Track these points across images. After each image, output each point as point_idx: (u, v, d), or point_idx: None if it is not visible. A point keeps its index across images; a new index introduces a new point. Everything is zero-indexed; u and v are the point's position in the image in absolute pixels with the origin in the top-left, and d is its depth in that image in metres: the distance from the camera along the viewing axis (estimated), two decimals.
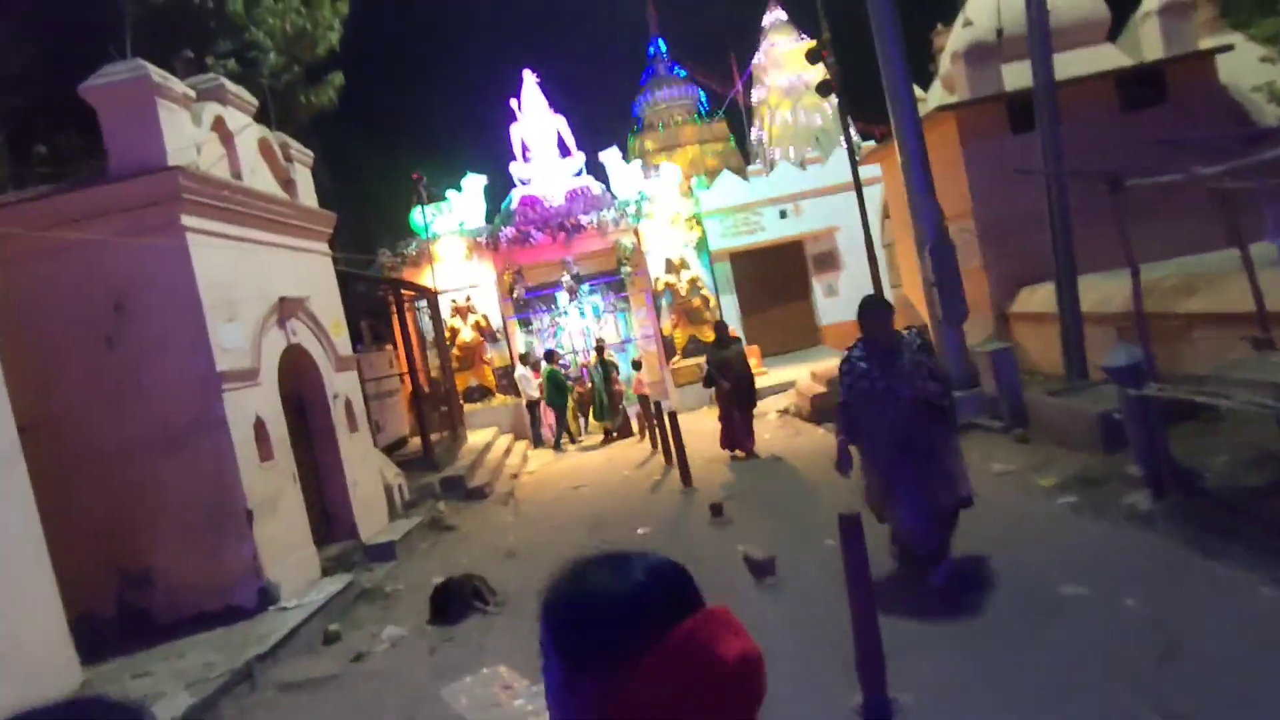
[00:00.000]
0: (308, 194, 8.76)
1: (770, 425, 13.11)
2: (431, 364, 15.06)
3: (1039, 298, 10.65)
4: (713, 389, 11.47)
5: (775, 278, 18.65)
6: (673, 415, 9.50)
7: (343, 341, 8.82)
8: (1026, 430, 8.47)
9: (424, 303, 14.82)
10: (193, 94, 6.76)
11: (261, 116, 8.40)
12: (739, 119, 31.71)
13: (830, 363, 16.72)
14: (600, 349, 15.40)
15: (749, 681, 0.96)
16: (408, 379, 14.80)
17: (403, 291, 13.85)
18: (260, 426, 6.75)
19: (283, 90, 9.89)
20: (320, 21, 10.19)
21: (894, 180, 14.31)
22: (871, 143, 18.42)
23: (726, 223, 18.12)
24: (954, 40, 11.80)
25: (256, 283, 7.17)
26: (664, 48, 36.33)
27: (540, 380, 15.10)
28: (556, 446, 14.92)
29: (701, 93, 34.97)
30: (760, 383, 15.89)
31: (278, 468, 6.91)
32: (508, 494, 11.62)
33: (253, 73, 9.17)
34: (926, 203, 9.86)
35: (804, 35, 26.89)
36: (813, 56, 13.01)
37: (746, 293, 18.24)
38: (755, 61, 27.42)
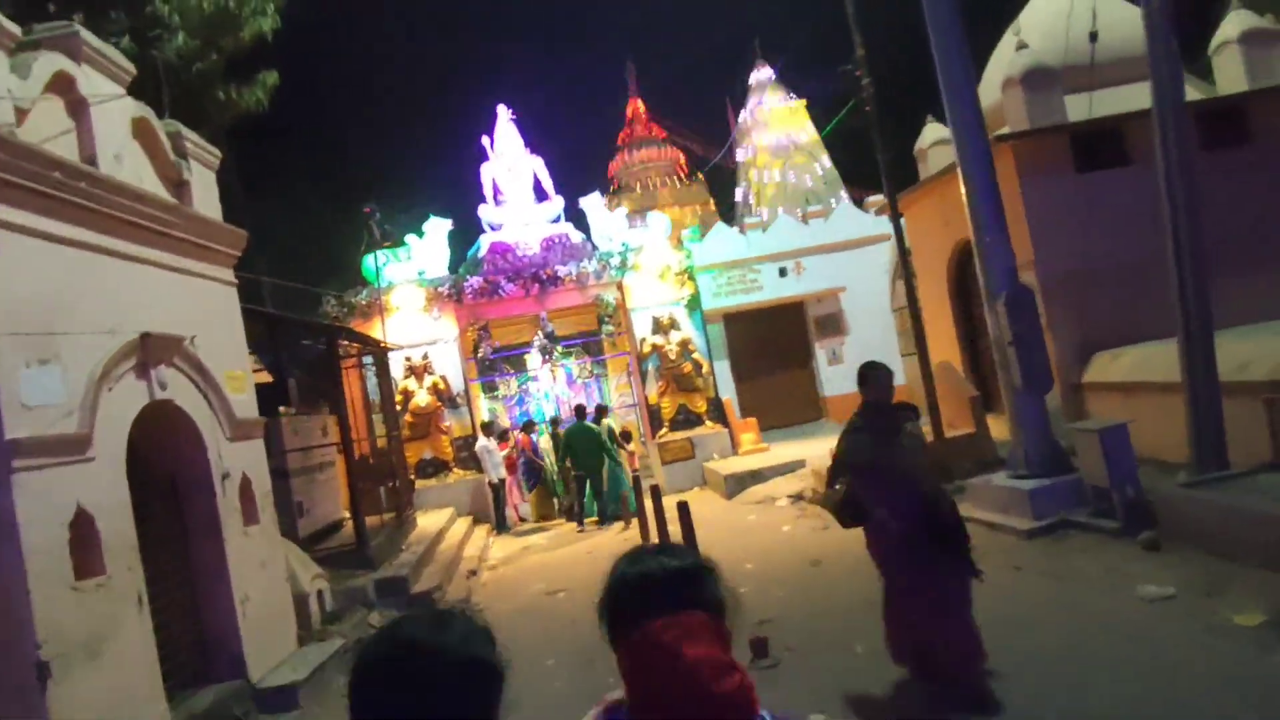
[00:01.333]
0: (207, 203, 6.57)
1: (785, 514, 10.90)
2: (379, 431, 12.70)
3: (1123, 365, 8.73)
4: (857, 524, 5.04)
5: (774, 342, 16.68)
6: (683, 506, 7.25)
7: (244, 400, 6.52)
8: (1155, 533, 6.40)
9: (372, 359, 12.54)
10: (16, 32, 4.61)
11: (154, 102, 6.30)
12: (721, 182, 30.35)
13: None
14: (555, 423, 13.16)
15: (701, 682, 1.18)
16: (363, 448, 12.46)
17: (344, 343, 11.62)
18: (82, 525, 4.41)
19: (195, 80, 7.86)
20: (246, 1, 8.23)
21: (924, 227, 12.54)
22: (878, 197, 16.76)
23: (720, 280, 16.21)
24: (1009, 65, 10.12)
25: (102, 310, 4.92)
26: (642, 109, 35.21)
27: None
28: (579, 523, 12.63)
29: (680, 155, 33.74)
30: (760, 461, 13.78)
31: (109, 587, 4.54)
32: (463, 599, 9.21)
33: (154, 55, 7.13)
34: (999, 244, 7.96)
35: (792, 95, 25.71)
36: (845, 78, 11.21)
37: (742, 358, 16.24)
38: (741, 121, 26.06)
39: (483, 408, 17.81)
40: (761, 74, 25.99)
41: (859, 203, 18.19)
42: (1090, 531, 6.97)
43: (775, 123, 25.10)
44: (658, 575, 1.27)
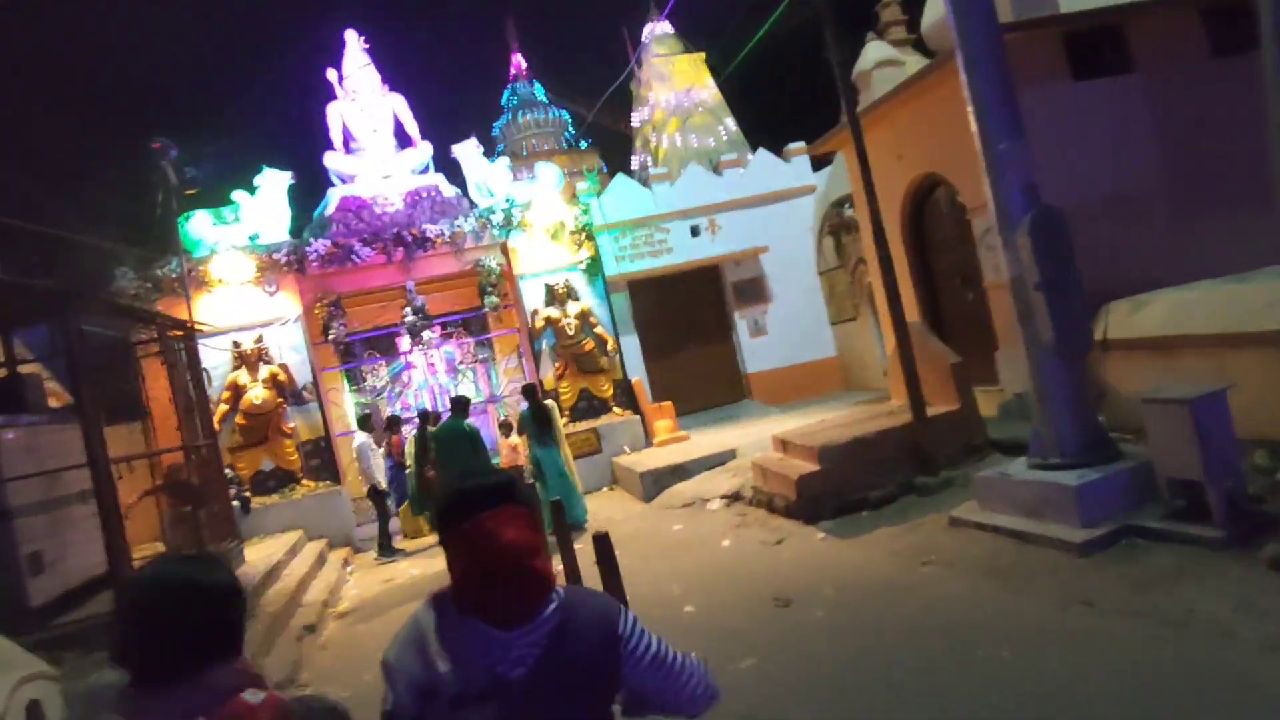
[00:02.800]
0: None
1: (721, 521, 8.63)
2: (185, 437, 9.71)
3: (1153, 316, 6.82)
4: None
5: (688, 313, 14.43)
6: (601, 541, 4.74)
7: None
8: None
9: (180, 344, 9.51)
10: None
11: None
12: (615, 148, 27.89)
13: (787, 421, 12.31)
14: (425, 415, 10.33)
15: (517, 558, 1.52)
16: (164, 463, 9.49)
17: (147, 325, 8.64)
18: None
19: None
20: None
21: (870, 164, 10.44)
22: (800, 144, 14.72)
23: (624, 241, 13.81)
24: None
25: None
26: (524, 66, 32.30)
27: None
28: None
29: (567, 116, 31.10)
30: (681, 453, 11.51)
31: None
32: (292, 665, 6.55)
33: None
34: (1014, 153, 5.83)
35: (691, 47, 23.49)
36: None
37: (651, 332, 13.92)
38: (636, 79, 23.64)
39: (346, 403, 14.93)
40: (657, 27, 23.63)
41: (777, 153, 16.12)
42: (1175, 543, 4.95)
43: (674, 77, 22.84)
44: (486, 485, 1.58)
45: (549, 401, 9.93)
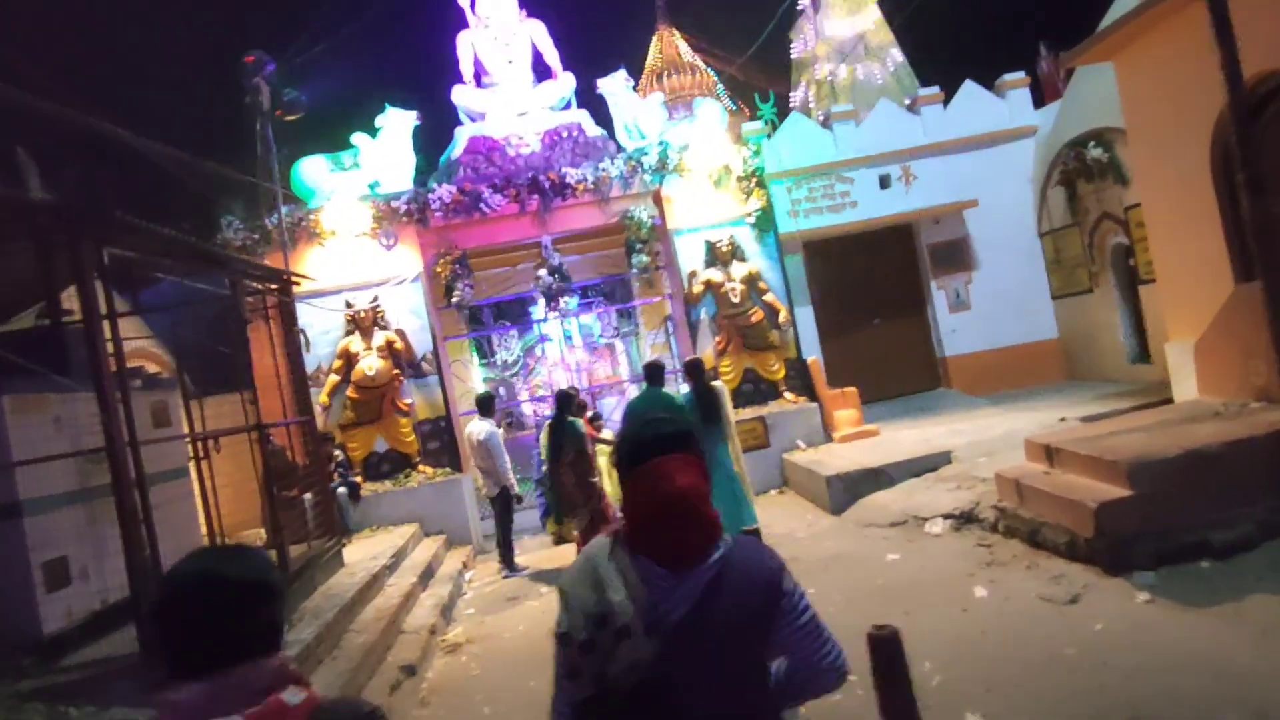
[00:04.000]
0: None
1: (956, 554, 6.22)
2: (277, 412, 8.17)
3: None
4: None
5: (872, 280, 11.94)
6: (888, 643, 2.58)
7: None
8: None
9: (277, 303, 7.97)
10: None
11: None
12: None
13: (1004, 417, 8.73)
14: (567, 399, 8.05)
15: (689, 501, 1.62)
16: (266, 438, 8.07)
17: (253, 284, 7.11)
18: None
19: None
20: None
21: (1154, 87, 7.64)
22: (1017, 75, 11.89)
23: (799, 193, 11.46)
24: None
25: None
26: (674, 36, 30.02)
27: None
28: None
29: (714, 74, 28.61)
30: (874, 452, 9.13)
31: None
32: None
33: None
34: None
35: None
36: None
37: (827, 303, 11.54)
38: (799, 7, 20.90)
39: (474, 377, 13.36)
40: None
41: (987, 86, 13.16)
42: None
43: (838, 9, 20.02)
44: (664, 432, 1.68)
45: (717, 383, 7.79)
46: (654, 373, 7.28)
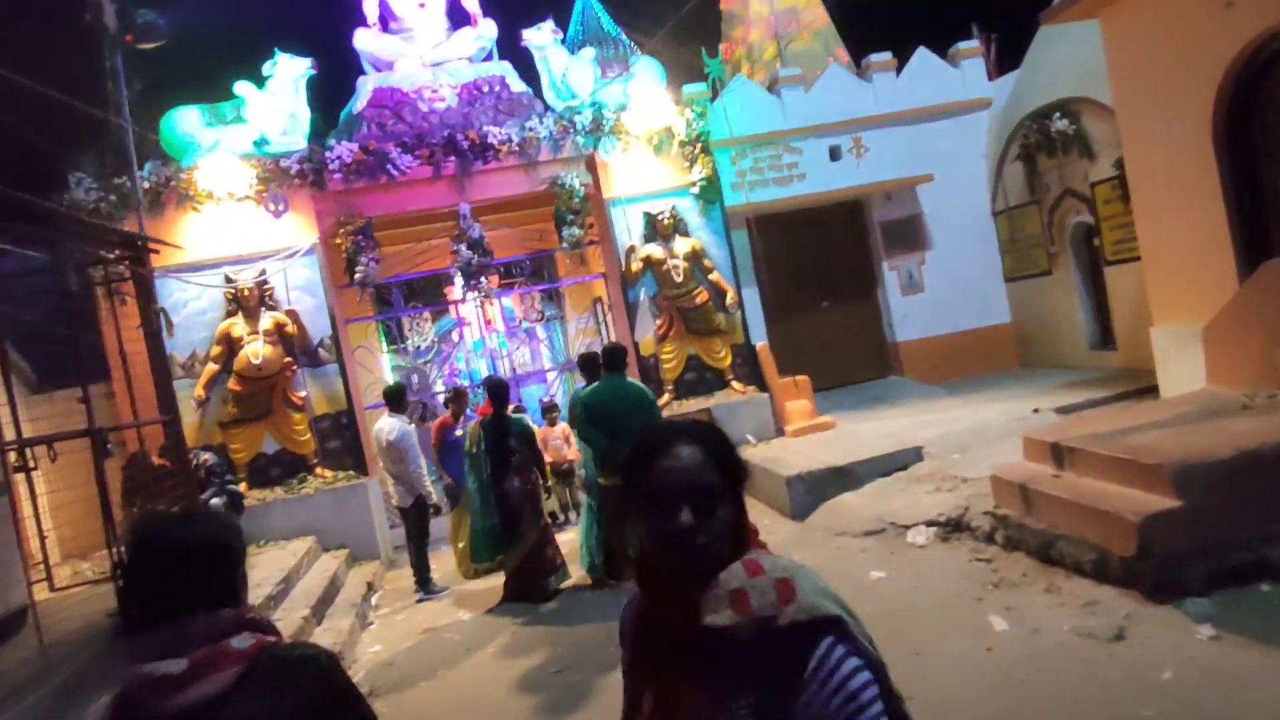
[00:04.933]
0: None
1: (952, 570, 5.33)
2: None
3: None
4: None
5: (820, 260, 11.09)
6: None
7: None
8: None
9: (130, 275, 6.48)
10: None
11: None
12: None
13: (966, 408, 8.15)
14: (502, 389, 6.77)
15: None
16: (140, 439, 6.68)
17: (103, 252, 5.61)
18: None
19: None
20: None
21: (1150, 42, 6.88)
22: (973, 43, 11.21)
23: (744, 163, 10.48)
24: None
25: None
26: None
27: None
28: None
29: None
30: (834, 448, 8.25)
31: None
32: None
33: None
34: None
35: None
36: None
37: (774, 284, 10.60)
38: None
39: (383, 367, 11.96)
40: None
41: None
42: None
43: None
44: (679, 425, 1.39)
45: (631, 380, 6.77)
46: (614, 359, 6.20)
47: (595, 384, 6.38)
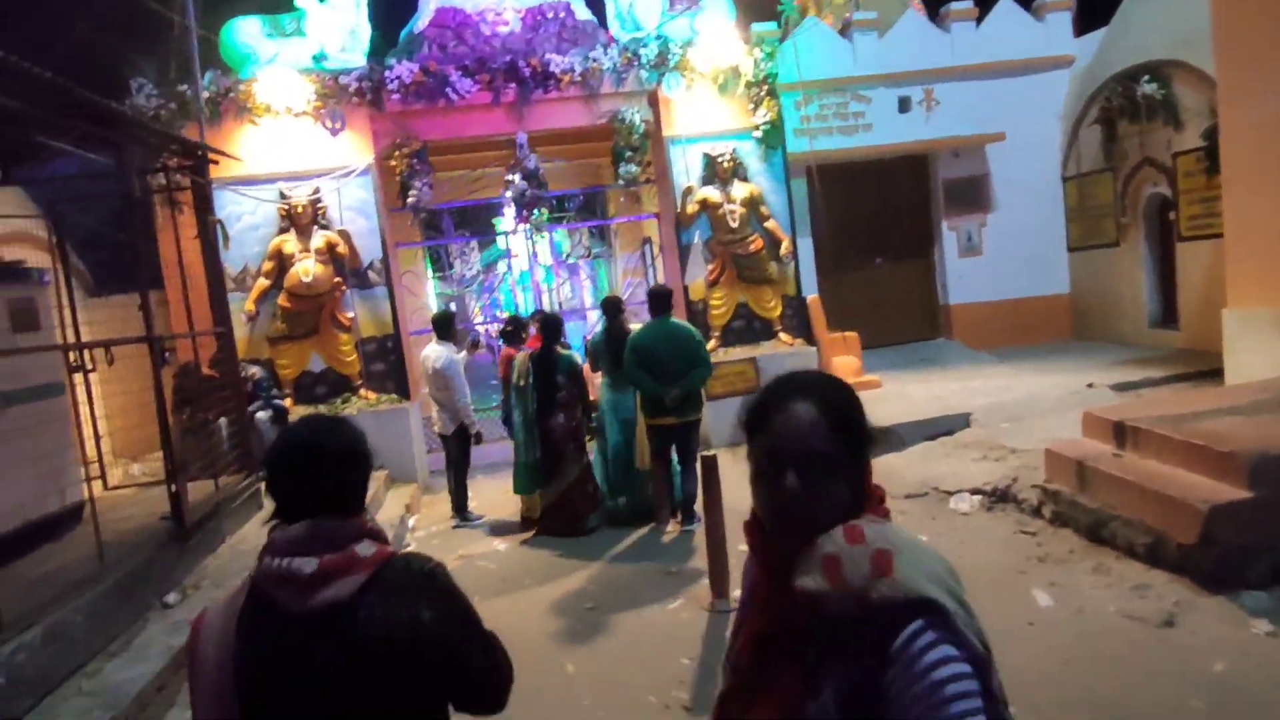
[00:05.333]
0: None
1: (997, 541, 5.25)
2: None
3: None
4: None
5: (879, 214, 10.80)
6: None
7: None
8: None
9: (190, 186, 6.47)
10: None
11: None
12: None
13: (1017, 377, 8.24)
14: (555, 325, 6.68)
15: None
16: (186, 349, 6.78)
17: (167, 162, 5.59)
18: None
19: None
20: None
21: None
22: None
23: (809, 109, 10.15)
24: None
25: None
26: None
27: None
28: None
29: None
30: (880, 408, 8.13)
31: None
32: None
33: None
34: None
35: None
36: None
37: (830, 236, 10.35)
38: None
39: (427, 293, 12.00)
40: None
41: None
42: None
43: None
44: (812, 374, 1.34)
45: (635, 325, 6.67)
46: (660, 301, 6.14)
47: (642, 326, 6.32)
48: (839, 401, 1.28)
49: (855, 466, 1.25)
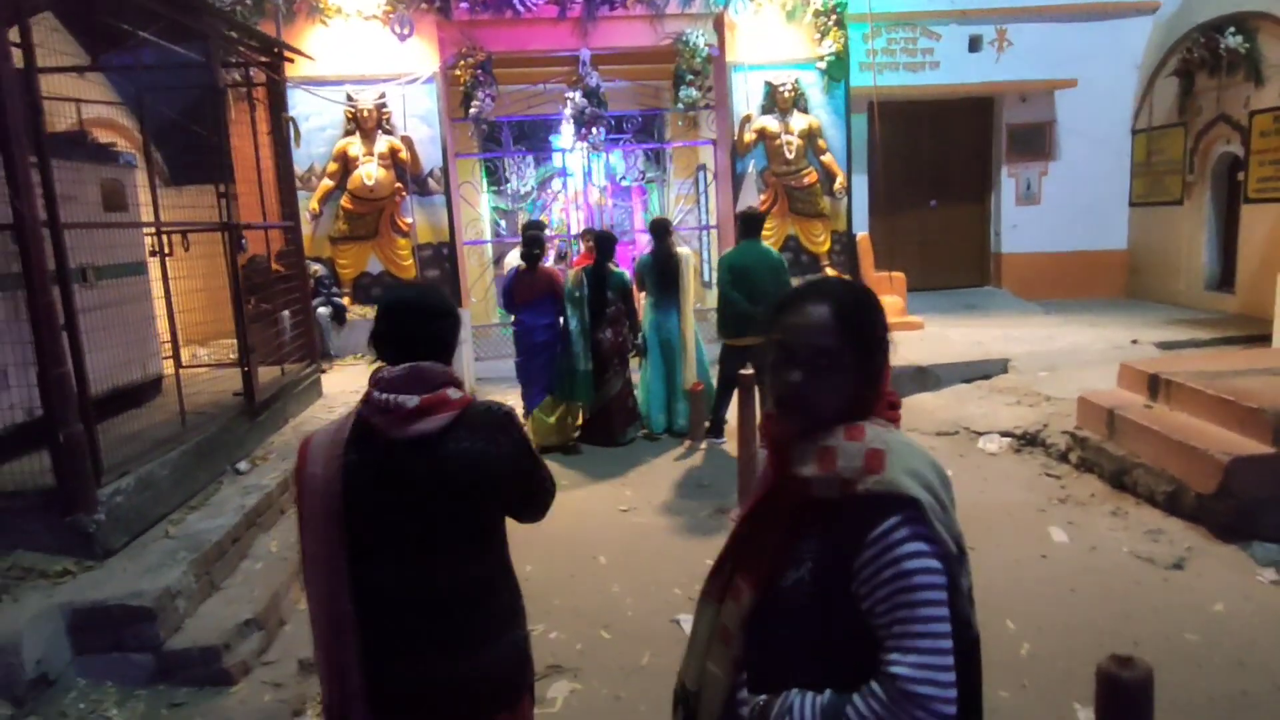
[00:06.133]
0: None
1: (1021, 481, 5.43)
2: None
3: None
4: None
5: (938, 155, 10.69)
6: None
7: None
8: None
9: (264, 84, 6.68)
10: None
11: None
12: None
13: (1061, 329, 8.30)
14: (609, 242, 6.75)
15: None
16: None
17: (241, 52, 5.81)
18: None
19: None
20: None
21: None
22: None
23: (877, 42, 9.97)
24: None
25: None
26: None
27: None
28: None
29: None
30: (919, 347, 8.25)
31: None
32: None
33: None
34: None
35: None
36: None
37: (886, 174, 10.29)
38: None
39: (482, 205, 12.21)
40: None
41: None
42: None
43: None
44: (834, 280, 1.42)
45: (683, 249, 6.77)
46: (752, 223, 6.27)
47: (734, 247, 6.43)
48: (851, 304, 1.32)
49: (863, 368, 1.30)
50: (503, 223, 13.35)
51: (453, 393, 1.67)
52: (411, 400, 1.60)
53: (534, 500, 1.84)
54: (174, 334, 5.97)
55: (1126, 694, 1.63)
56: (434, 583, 1.65)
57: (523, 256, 6.58)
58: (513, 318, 6.71)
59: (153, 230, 5.87)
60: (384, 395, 1.62)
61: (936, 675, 1.14)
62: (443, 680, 1.66)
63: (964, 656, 1.21)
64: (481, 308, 10.89)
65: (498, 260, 12.00)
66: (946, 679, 1.15)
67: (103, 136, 6.58)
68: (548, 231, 7.83)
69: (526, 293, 6.47)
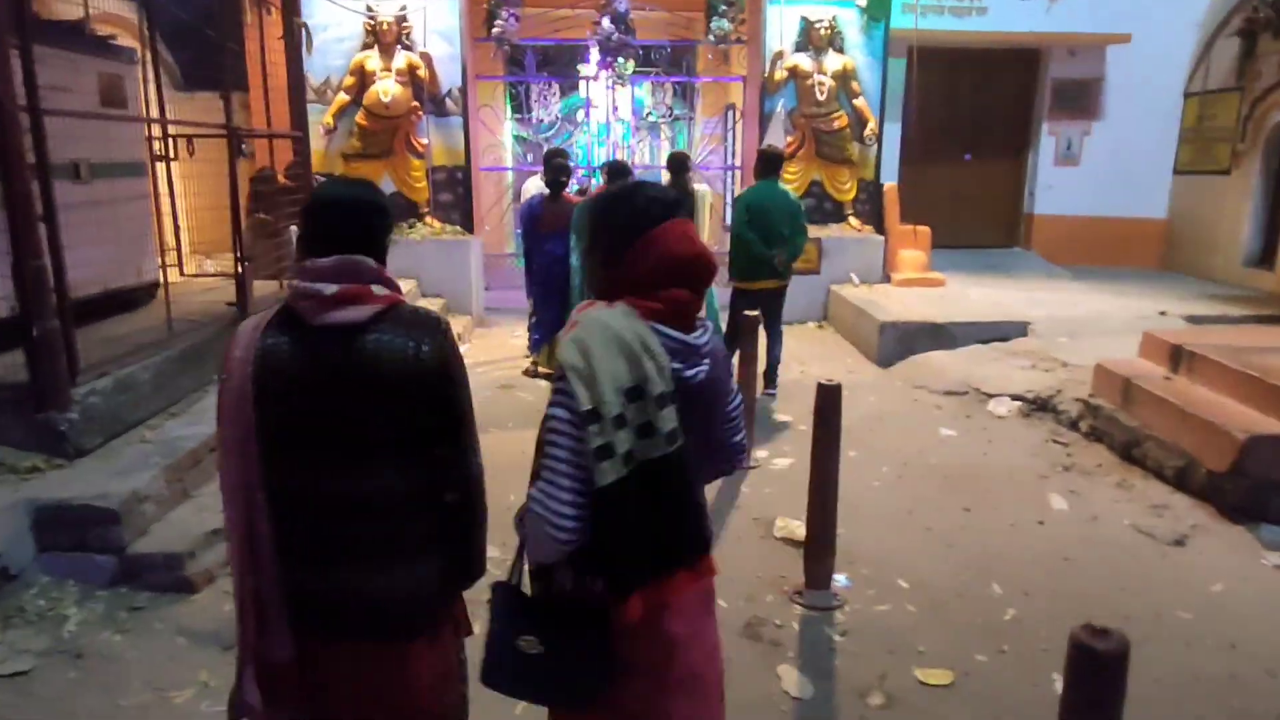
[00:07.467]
0: None
1: (1026, 446, 5.27)
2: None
3: None
4: None
5: (977, 107, 10.26)
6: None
7: None
8: None
9: None
10: None
11: None
12: None
13: (1088, 295, 8.03)
14: (623, 171, 6.33)
15: (705, 264, 1.58)
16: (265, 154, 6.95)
17: None
18: None
19: None
20: None
21: None
22: None
23: None
24: None
25: None
26: None
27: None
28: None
29: None
30: (936, 304, 8.01)
31: None
32: None
33: None
34: None
35: None
36: None
37: (920, 124, 9.90)
38: None
39: (504, 131, 11.95)
40: None
41: None
42: None
43: None
44: (670, 197, 1.62)
45: (701, 187, 6.51)
46: (771, 162, 5.99)
47: (752, 186, 6.17)
48: (605, 205, 1.66)
49: (614, 263, 1.57)
50: (528, 155, 13.09)
51: (379, 289, 1.59)
52: (330, 288, 1.54)
53: (456, 439, 1.67)
54: (176, 238, 5.89)
55: (1099, 665, 1.51)
56: (347, 486, 1.57)
57: (547, 184, 6.37)
58: (525, 249, 6.52)
59: (159, 134, 5.74)
60: (305, 283, 1.56)
61: (549, 503, 1.47)
62: (351, 593, 1.58)
63: (605, 499, 1.45)
64: (495, 236, 10.72)
65: (517, 195, 11.78)
66: (556, 507, 1.46)
67: (112, 34, 6.41)
68: (570, 163, 7.63)
69: (553, 221, 6.26)
